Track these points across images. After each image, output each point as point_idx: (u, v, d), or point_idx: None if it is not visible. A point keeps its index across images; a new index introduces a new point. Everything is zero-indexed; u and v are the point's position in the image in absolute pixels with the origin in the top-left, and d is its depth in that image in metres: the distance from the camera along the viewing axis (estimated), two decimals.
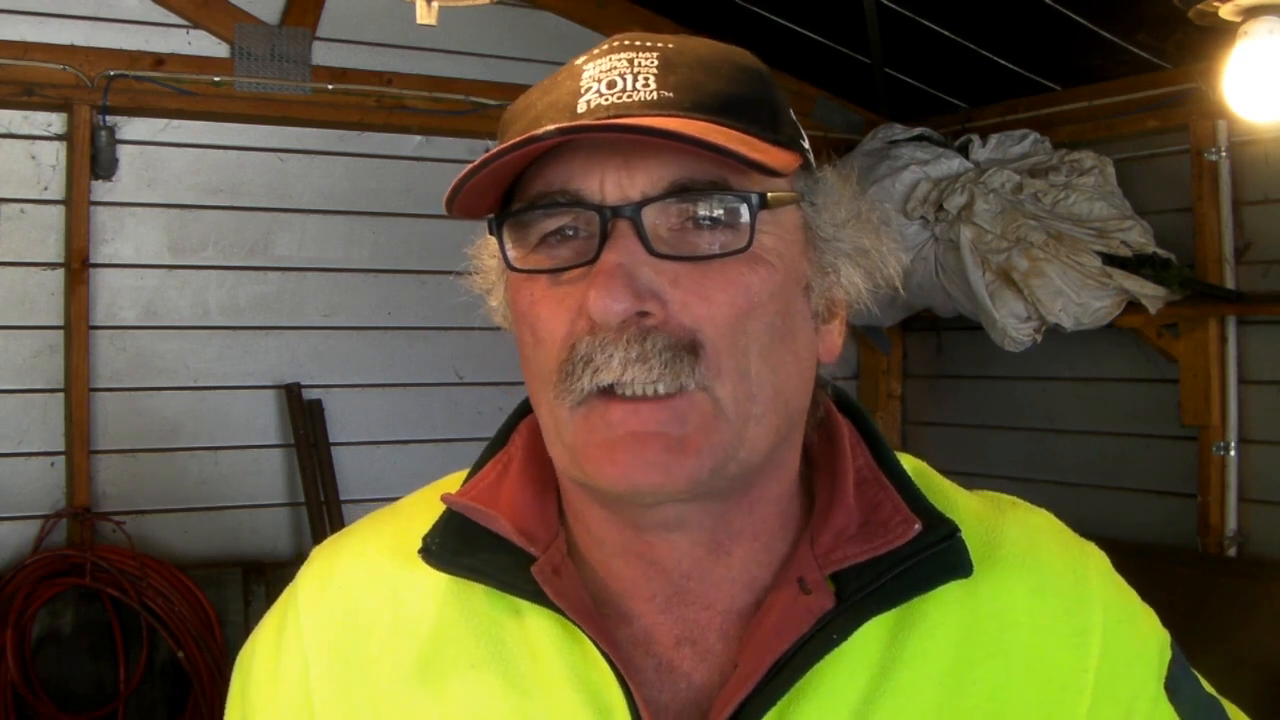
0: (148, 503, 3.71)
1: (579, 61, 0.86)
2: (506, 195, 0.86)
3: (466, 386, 4.15)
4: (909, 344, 4.85)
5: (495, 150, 0.80)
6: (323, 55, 3.90)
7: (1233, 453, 3.70)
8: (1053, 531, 0.96)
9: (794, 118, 0.89)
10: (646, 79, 0.83)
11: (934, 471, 0.97)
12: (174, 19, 3.72)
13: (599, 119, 0.81)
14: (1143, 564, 3.59)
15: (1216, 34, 3.01)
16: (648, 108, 0.81)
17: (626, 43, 0.86)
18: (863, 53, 4.22)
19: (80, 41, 3.59)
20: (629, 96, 0.82)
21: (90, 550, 3.47)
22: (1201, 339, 3.74)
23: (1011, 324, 3.81)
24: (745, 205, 0.81)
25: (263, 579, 3.71)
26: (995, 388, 4.47)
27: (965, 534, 0.88)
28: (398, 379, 4.11)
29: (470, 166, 0.80)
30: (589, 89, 0.83)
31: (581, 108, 0.82)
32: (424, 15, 2.60)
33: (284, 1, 3.84)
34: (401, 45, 4.00)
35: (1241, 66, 2.87)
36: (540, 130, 0.79)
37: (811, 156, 0.90)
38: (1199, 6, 2.78)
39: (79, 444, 3.57)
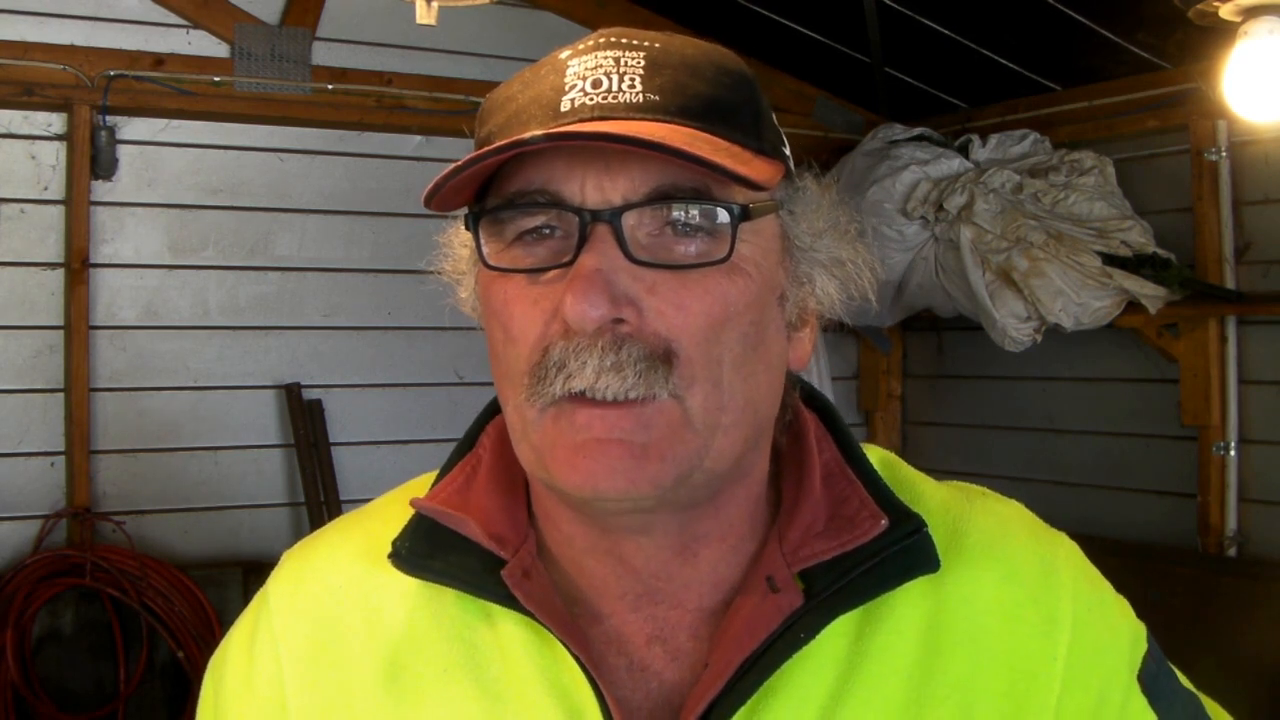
0: (148, 503, 3.71)
1: (563, 56, 0.85)
2: (481, 188, 0.85)
3: (466, 386, 4.15)
4: (909, 344, 4.85)
5: (480, 152, 0.80)
6: (323, 55, 3.90)
7: (1233, 453, 3.70)
8: (1022, 521, 0.95)
9: (775, 121, 0.89)
10: (632, 80, 0.82)
11: (902, 462, 0.97)
12: (174, 19, 3.72)
13: (583, 119, 0.80)
14: (1143, 564, 3.59)
15: (1216, 34, 3.01)
16: (633, 110, 0.81)
17: (612, 40, 0.85)
18: (863, 52, 4.22)
19: (80, 41, 3.59)
20: (614, 97, 0.81)
21: (90, 550, 3.47)
22: (1201, 339, 3.74)
23: (1011, 324, 3.81)
24: (727, 215, 0.81)
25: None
26: (995, 388, 4.47)
27: (931, 525, 0.88)
28: (398, 379, 4.11)
29: (453, 166, 0.80)
30: (573, 86, 0.82)
31: (565, 106, 0.81)
32: (424, 15, 2.60)
33: (284, 1, 3.84)
34: (401, 45, 4.00)
35: (1241, 66, 2.87)
36: (527, 135, 0.78)
37: (792, 164, 0.89)
38: (1199, 6, 2.78)
39: (79, 444, 3.57)
